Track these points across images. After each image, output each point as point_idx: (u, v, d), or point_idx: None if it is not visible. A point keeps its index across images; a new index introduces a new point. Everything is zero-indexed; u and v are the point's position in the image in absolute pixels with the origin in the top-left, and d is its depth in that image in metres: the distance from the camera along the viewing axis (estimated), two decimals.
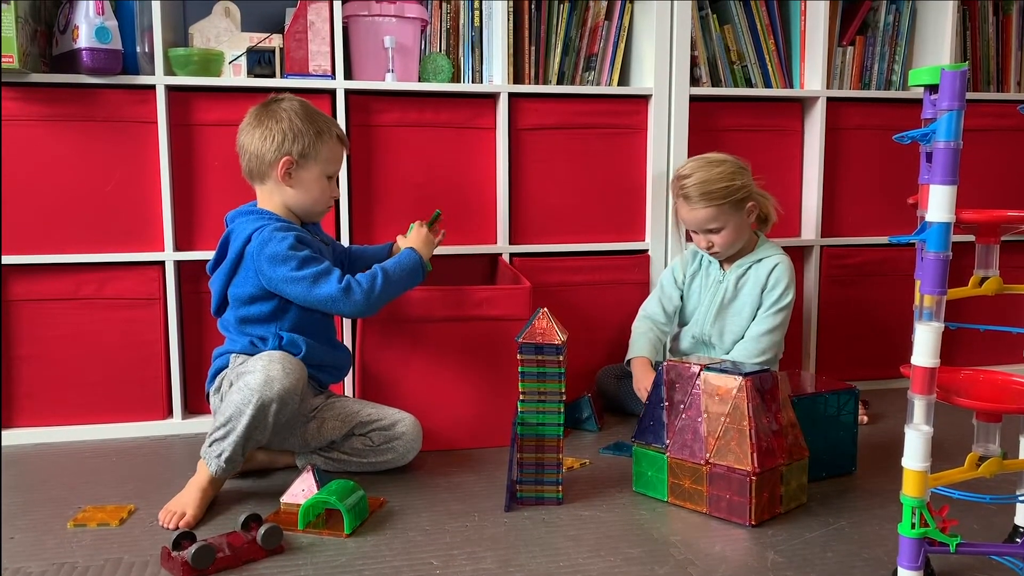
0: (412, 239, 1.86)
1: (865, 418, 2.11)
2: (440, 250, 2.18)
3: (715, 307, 2.09)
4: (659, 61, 2.24)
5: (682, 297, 2.17)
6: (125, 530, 1.50)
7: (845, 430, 1.76)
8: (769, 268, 2.06)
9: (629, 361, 2.11)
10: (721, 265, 2.11)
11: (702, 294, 2.13)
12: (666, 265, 2.27)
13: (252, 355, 1.71)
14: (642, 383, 2.02)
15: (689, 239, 2.14)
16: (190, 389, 2.10)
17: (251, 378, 1.58)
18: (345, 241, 2.12)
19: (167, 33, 2.02)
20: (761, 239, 2.12)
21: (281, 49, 2.13)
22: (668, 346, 2.21)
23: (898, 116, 2.42)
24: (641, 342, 2.12)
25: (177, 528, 1.49)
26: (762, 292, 2.06)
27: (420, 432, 1.78)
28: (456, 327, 1.90)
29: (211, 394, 1.77)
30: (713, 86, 2.36)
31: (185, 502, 1.55)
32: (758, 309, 2.06)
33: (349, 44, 2.18)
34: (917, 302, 1.16)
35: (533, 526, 1.52)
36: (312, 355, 1.74)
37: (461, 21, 2.25)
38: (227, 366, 1.74)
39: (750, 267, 2.07)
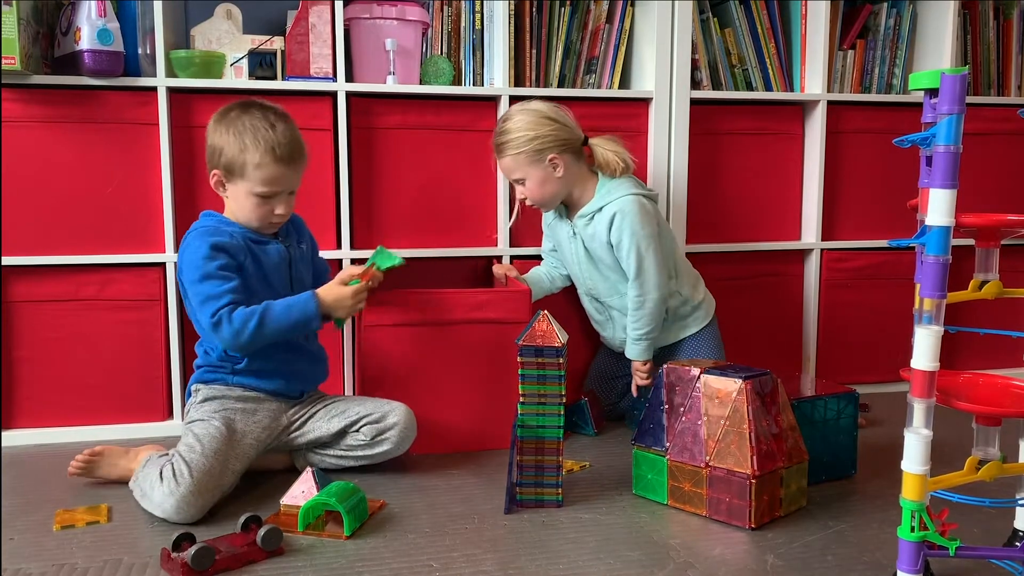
0: (328, 288, 1.73)
1: (863, 421, 2.10)
2: (440, 252, 2.19)
3: (581, 262, 2.04)
4: (660, 64, 2.24)
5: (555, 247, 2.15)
6: (125, 531, 1.50)
7: (845, 433, 1.76)
8: (607, 221, 1.95)
9: None
10: (569, 215, 2.06)
11: (565, 246, 2.08)
12: None
13: (206, 382, 1.73)
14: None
15: None
16: None
17: (157, 496, 1.53)
18: (345, 242, 2.12)
19: (169, 35, 2.02)
20: (601, 182, 2.00)
21: (282, 51, 2.13)
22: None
23: (898, 120, 2.42)
24: (530, 274, 2.15)
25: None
26: (609, 246, 1.97)
27: (413, 420, 1.78)
28: (456, 329, 1.90)
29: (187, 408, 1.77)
30: (714, 89, 2.36)
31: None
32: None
33: (350, 46, 2.19)
34: (917, 306, 1.16)
35: (533, 529, 1.52)
36: (264, 366, 1.72)
37: (462, 24, 2.25)
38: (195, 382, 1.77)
39: (592, 217, 1.98)
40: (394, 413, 1.76)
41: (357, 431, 1.76)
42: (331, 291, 1.72)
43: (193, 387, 1.76)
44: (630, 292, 1.98)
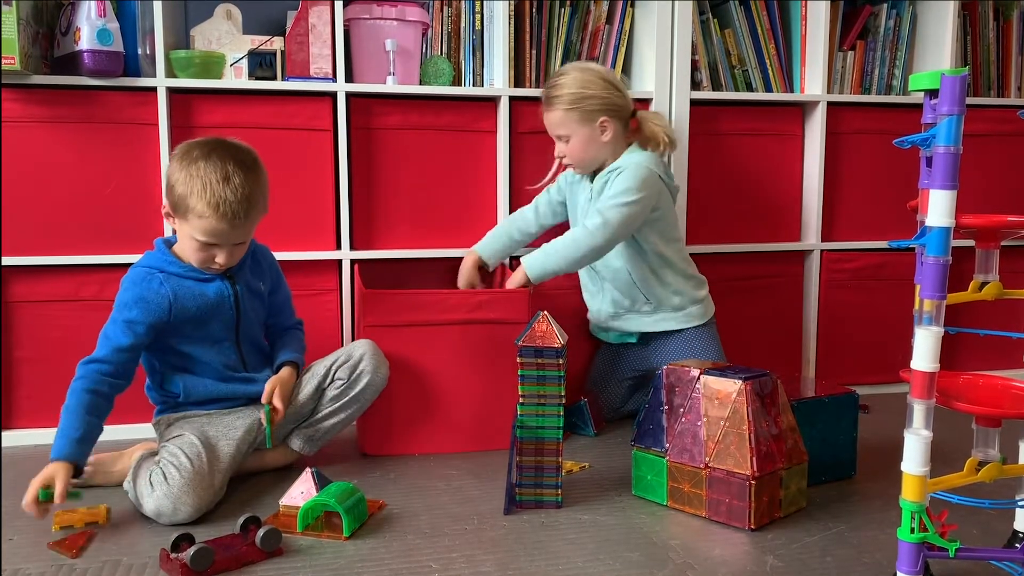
0: (56, 468, 1.49)
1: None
2: (440, 253, 2.19)
3: (583, 216, 2.00)
4: (660, 65, 2.24)
5: (565, 204, 2.13)
6: (124, 532, 1.50)
7: (845, 434, 1.76)
8: (619, 173, 1.92)
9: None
10: (592, 178, 2.04)
11: (579, 207, 2.07)
12: None
13: (163, 413, 1.75)
14: (461, 276, 2.09)
15: None
16: None
17: (151, 503, 1.53)
18: (345, 243, 2.12)
19: (168, 35, 2.02)
20: (630, 150, 1.99)
21: (282, 52, 2.13)
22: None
23: (898, 121, 2.43)
24: (487, 239, 2.13)
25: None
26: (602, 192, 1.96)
27: (378, 348, 1.83)
28: (455, 330, 1.90)
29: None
30: (714, 90, 2.36)
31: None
32: None
33: (350, 47, 2.19)
34: (917, 306, 1.16)
35: (532, 529, 1.52)
36: (199, 397, 1.73)
37: (462, 24, 2.25)
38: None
39: (609, 176, 1.96)
40: (358, 347, 1.81)
41: (332, 381, 1.79)
42: (58, 472, 1.48)
43: (154, 423, 1.76)
44: (590, 216, 1.90)
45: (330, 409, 1.80)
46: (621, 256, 2.01)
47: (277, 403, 1.71)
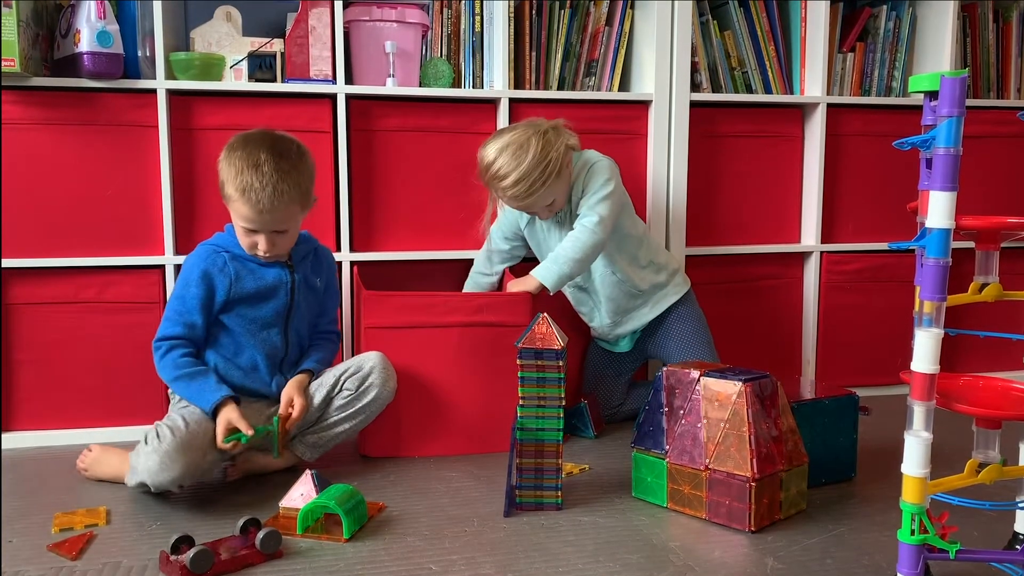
0: (230, 411, 1.65)
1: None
2: (440, 255, 2.19)
3: (563, 235, 1.97)
4: (659, 67, 2.24)
5: (522, 242, 2.12)
6: (124, 534, 1.50)
7: (845, 436, 1.76)
8: (583, 179, 1.94)
9: None
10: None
11: (542, 237, 2.06)
12: None
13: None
14: None
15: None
16: None
17: (141, 459, 1.59)
18: (345, 244, 2.12)
19: (168, 37, 2.02)
20: (576, 163, 1.97)
21: (282, 54, 2.13)
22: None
23: (898, 122, 2.43)
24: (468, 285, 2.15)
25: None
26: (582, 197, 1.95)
27: (388, 362, 1.83)
28: (456, 332, 1.90)
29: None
30: (713, 92, 2.36)
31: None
32: None
33: (350, 49, 2.19)
34: (917, 308, 1.16)
35: (532, 531, 1.52)
36: (225, 376, 1.77)
37: (462, 26, 2.25)
38: None
39: (574, 185, 1.97)
40: (368, 360, 1.81)
41: (340, 391, 1.79)
42: (230, 413, 1.65)
43: (170, 392, 1.81)
44: (583, 217, 1.91)
45: (336, 418, 1.80)
46: (600, 258, 2.01)
47: (294, 414, 1.74)
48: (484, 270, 2.15)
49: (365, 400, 1.79)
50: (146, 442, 1.60)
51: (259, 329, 1.78)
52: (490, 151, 1.91)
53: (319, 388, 1.80)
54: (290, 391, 1.76)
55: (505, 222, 2.11)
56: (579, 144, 2.00)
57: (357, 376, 1.80)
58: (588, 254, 1.91)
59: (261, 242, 1.71)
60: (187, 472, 1.58)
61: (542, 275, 1.91)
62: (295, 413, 1.74)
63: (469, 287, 2.15)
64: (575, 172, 1.98)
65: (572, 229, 1.94)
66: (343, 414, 1.80)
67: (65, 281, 2.00)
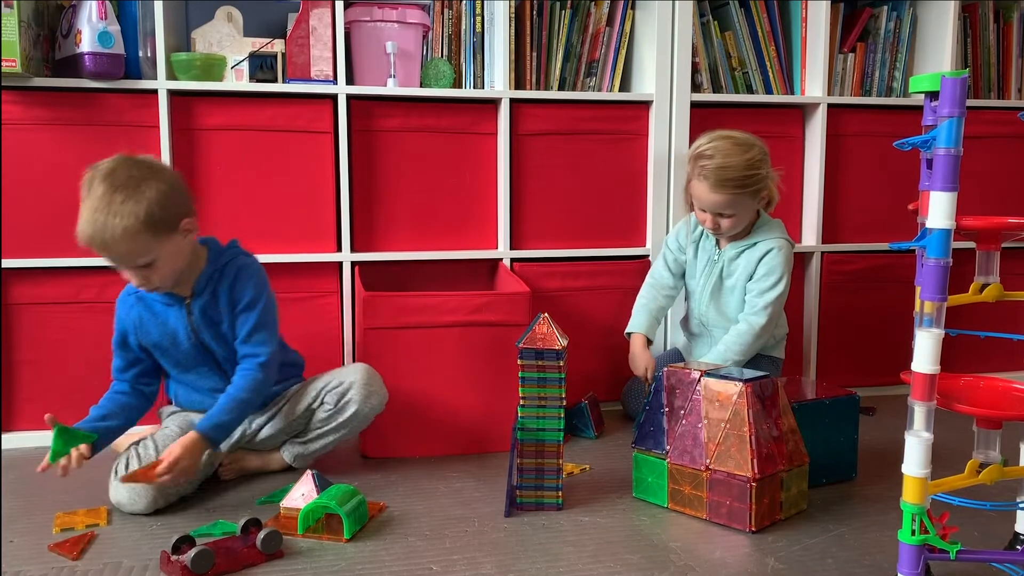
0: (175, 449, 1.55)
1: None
2: (441, 254, 2.19)
3: (710, 286, 2.05)
4: (660, 67, 2.24)
5: (684, 257, 2.14)
6: (125, 534, 1.50)
7: (845, 436, 1.76)
8: (761, 254, 1.99)
9: (629, 333, 2.11)
10: (718, 242, 2.07)
11: (699, 267, 2.09)
12: None
13: (163, 407, 1.83)
14: (635, 361, 2.05)
15: (692, 208, 2.06)
16: None
17: (112, 491, 1.59)
18: (346, 245, 2.12)
19: (169, 38, 2.03)
20: (763, 218, 2.05)
21: (283, 54, 2.13)
22: (679, 323, 2.22)
23: (899, 123, 2.42)
24: (640, 316, 2.12)
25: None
26: (748, 280, 2.01)
27: (372, 374, 1.78)
28: (456, 332, 1.90)
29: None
30: (714, 92, 2.36)
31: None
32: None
33: (351, 49, 2.19)
34: (917, 309, 1.16)
35: (533, 532, 1.52)
36: (185, 401, 1.78)
37: (463, 27, 2.25)
38: None
39: (744, 250, 2.02)
40: (350, 373, 1.77)
41: (321, 404, 1.76)
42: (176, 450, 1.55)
43: (158, 412, 1.83)
44: (751, 313, 1.98)
45: (319, 431, 1.77)
46: (738, 309, 2.04)
47: (160, 468, 1.52)
48: (666, 281, 2.14)
49: (345, 416, 1.75)
50: (115, 473, 1.59)
51: (184, 371, 1.74)
52: (712, 135, 1.97)
53: (303, 398, 1.77)
54: (175, 449, 1.55)
55: (680, 227, 2.14)
56: (777, 199, 2.04)
57: (336, 391, 1.75)
58: (754, 347, 1.99)
59: (132, 278, 1.58)
60: (158, 499, 1.58)
61: (714, 359, 1.97)
62: (161, 468, 1.51)
63: (642, 301, 2.14)
64: (760, 222, 2.03)
65: (722, 279, 2.04)
66: (325, 427, 1.77)
67: (65, 281, 2.00)
